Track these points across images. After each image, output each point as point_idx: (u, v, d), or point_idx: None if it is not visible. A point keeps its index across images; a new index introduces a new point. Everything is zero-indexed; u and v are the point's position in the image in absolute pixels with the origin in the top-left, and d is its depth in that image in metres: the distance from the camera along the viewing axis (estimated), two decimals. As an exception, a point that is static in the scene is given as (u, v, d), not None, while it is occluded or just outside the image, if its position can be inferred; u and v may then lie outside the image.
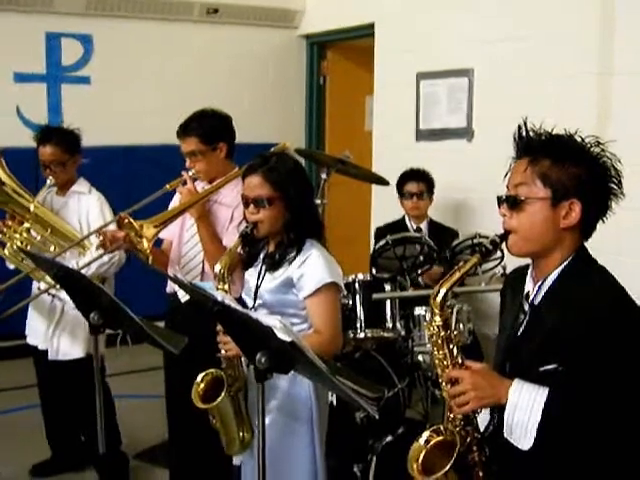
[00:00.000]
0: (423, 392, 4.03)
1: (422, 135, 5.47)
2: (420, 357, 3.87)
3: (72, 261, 3.56)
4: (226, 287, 2.56)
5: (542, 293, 1.89)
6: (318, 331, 2.52)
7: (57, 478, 3.89)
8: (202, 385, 2.57)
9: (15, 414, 4.63)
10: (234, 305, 2.09)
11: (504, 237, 1.89)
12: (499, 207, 1.91)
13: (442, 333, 1.90)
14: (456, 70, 5.10)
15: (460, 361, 1.90)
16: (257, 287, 2.61)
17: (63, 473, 3.91)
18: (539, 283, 1.90)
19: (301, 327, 2.57)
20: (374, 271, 4.11)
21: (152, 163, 5.63)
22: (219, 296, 2.10)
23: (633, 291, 1.81)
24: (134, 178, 5.60)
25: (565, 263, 1.86)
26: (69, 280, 2.52)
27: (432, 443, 1.89)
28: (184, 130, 3.21)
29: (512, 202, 1.86)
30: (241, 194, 2.62)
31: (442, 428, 1.91)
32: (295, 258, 2.53)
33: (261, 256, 2.67)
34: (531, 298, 1.91)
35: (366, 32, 5.95)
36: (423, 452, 1.88)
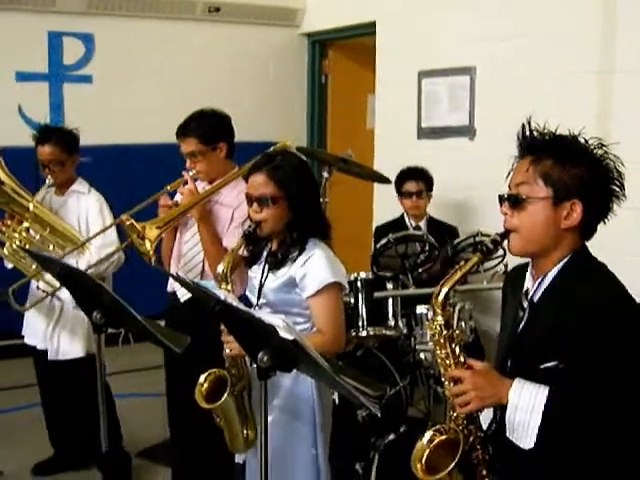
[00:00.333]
0: (425, 390, 4.02)
1: (424, 133, 5.47)
2: (422, 355, 3.87)
3: (71, 260, 3.56)
4: (229, 287, 2.55)
5: (541, 290, 1.89)
6: (321, 331, 2.51)
7: (59, 476, 3.90)
8: (205, 385, 2.55)
9: (16, 413, 4.63)
10: (236, 304, 2.08)
11: (505, 236, 1.89)
12: (500, 206, 1.91)
13: (444, 332, 1.91)
14: (458, 68, 5.10)
15: (462, 360, 1.90)
16: (261, 285, 2.60)
17: (65, 471, 3.91)
18: (538, 280, 1.90)
19: (305, 326, 2.56)
20: (375, 269, 4.12)
21: (153, 162, 5.60)
22: (222, 295, 2.10)
23: (634, 290, 1.82)
24: (135, 177, 5.58)
25: (564, 260, 1.86)
26: (71, 279, 2.52)
27: (435, 442, 1.88)
28: (183, 131, 3.20)
29: (513, 201, 1.87)
30: (245, 192, 2.59)
31: (445, 427, 1.90)
32: (298, 257, 2.52)
33: (264, 254, 2.65)
34: (530, 295, 1.91)
35: (368, 30, 5.94)
36: (427, 452, 1.87)
